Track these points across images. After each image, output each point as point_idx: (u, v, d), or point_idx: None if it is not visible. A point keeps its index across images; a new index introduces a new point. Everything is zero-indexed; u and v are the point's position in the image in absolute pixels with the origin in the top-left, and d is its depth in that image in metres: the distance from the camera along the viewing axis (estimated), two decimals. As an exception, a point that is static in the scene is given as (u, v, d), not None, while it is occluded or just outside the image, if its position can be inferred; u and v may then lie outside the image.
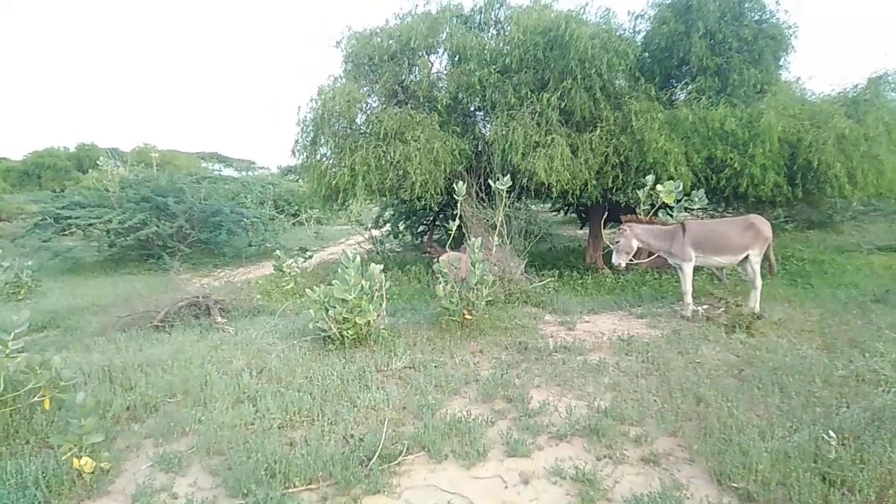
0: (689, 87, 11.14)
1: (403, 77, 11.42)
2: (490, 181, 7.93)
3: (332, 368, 5.74)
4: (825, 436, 3.74)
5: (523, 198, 12.29)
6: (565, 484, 3.69)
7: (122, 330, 7.96)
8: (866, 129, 9.81)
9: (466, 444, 4.17)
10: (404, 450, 4.07)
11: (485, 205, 10.03)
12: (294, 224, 27.48)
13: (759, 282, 7.65)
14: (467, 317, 7.00)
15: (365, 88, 11.68)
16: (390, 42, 11.34)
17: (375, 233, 17.63)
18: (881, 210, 16.66)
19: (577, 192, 10.79)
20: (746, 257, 7.64)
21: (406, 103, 11.12)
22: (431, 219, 16.06)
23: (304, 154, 11.57)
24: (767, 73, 10.89)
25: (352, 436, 4.30)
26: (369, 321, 6.66)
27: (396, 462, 3.94)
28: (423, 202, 10.67)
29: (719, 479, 3.64)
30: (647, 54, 11.52)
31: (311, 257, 15.66)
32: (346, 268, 6.61)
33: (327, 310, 6.55)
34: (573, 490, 3.61)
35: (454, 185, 7.34)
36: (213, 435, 4.36)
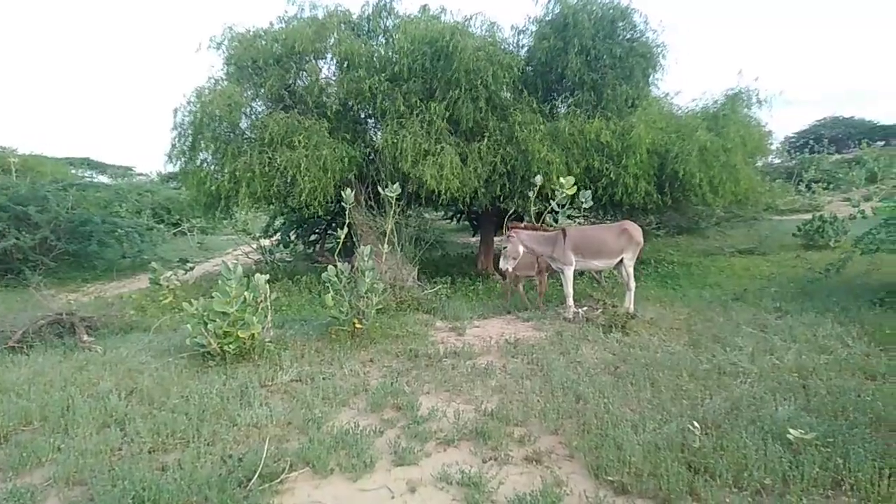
0: (569, 100, 11.72)
1: (290, 82, 11.13)
2: (380, 189, 7.89)
3: (210, 386, 5.45)
4: (690, 426, 4.01)
5: (415, 205, 12.35)
6: (451, 489, 3.70)
7: (-29, 353, 7.11)
8: (725, 142, 10.78)
9: (353, 457, 4.08)
10: (287, 467, 3.91)
11: (375, 212, 9.96)
12: (175, 234, 25.90)
13: (632, 284, 8.15)
14: (357, 326, 6.89)
15: (249, 92, 11.27)
16: (275, 45, 11.00)
17: (265, 242, 17.00)
18: (741, 217, 18.28)
19: (468, 200, 11.01)
20: (621, 261, 8.12)
21: (293, 108, 10.84)
22: (323, 227, 15.73)
23: (183, 160, 10.93)
24: (638, 88, 11.66)
25: (230, 456, 4.07)
26: (253, 334, 6.40)
27: (279, 480, 3.77)
28: (311, 210, 10.43)
29: (596, 474, 3.80)
30: (529, 68, 11.97)
31: (191, 269, 14.80)
32: (227, 279, 6.32)
33: (206, 324, 6.20)
34: (459, 495, 3.63)
35: (343, 192, 7.23)
36: (74, 463, 3.98)
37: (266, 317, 6.64)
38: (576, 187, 8.69)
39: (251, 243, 16.68)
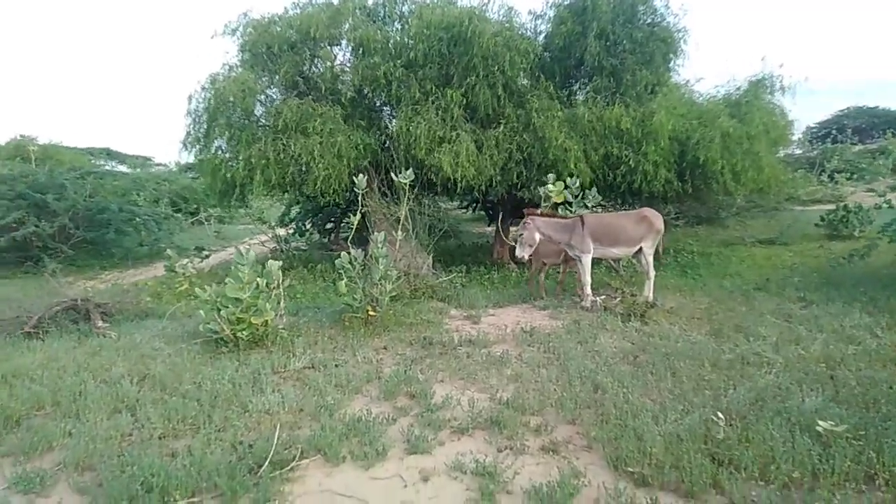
0: (587, 86, 11.52)
1: (305, 68, 11.03)
2: (394, 176, 7.79)
3: (223, 372, 5.38)
4: (714, 417, 3.87)
5: (431, 194, 12.27)
6: (465, 479, 3.60)
7: (-12, 338, 7.14)
8: (748, 128, 10.50)
9: (365, 445, 3.99)
10: (298, 454, 3.83)
11: (388, 199, 9.85)
12: (193, 223, 26.05)
13: (652, 272, 7.97)
14: (371, 313, 6.80)
15: (264, 79, 11.20)
16: (290, 31, 10.90)
17: (281, 231, 17.06)
18: (761, 207, 17.97)
19: (483, 188, 10.86)
20: (640, 249, 7.94)
21: (308, 95, 10.75)
22: (339, 215, 15.68)
23: (197, 147, 10.90)
24: (658, 74, 11.42)
25: (241, 443, 4.00)
26: (266, 321, 6.35)
27: (289, 468, 3.70)
28: (326, 197, 10.36)
29: (615, 465, 3.67)
30: (547, 54, 11.77)
31: (207, 257, 14.85)
32: (241, 265, 6.27)
33: (219, 310, 6.16)
34: (473, 484, 3.52)
35: (355, 178, 7.14)
36: (85, 448, 3.93)
37: (279, 303, 6.58)
38: (563, 194, 8.47)
39: (267, 232, 16.69)
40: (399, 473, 3.69)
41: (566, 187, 8.56)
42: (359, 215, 7.07)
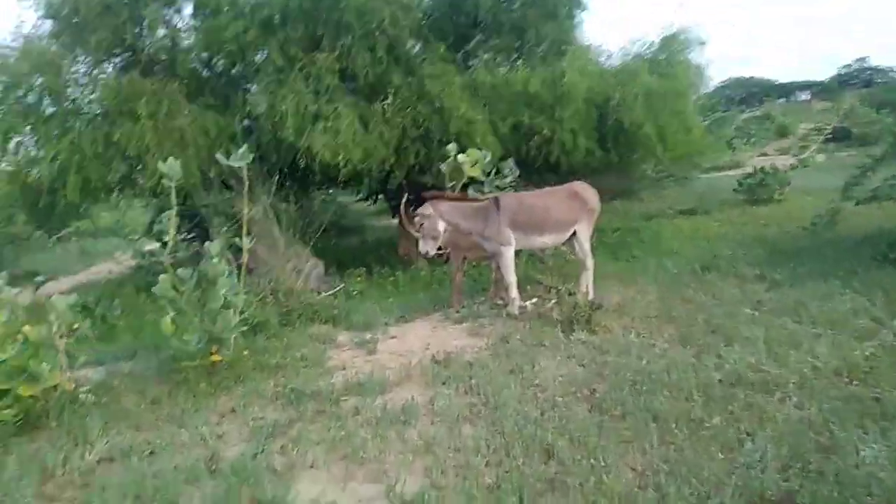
0: (486, 45, 9.88)
1: (127, 35, 8.58)
2: (221, 158, 5.70)
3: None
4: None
5: (324, 186, 10.33)
6: None
7: None
8: (674, 84, 9.22)
9: None
10: None
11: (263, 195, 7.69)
12: (59, 240, 22.46)
13: (590, 262, 6.35)
14: (216, 358, 4.74)
15: (79, 55, 8.69)
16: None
17: (156, 244, 14.52)
18: (673, 176, 17.33)
19: (375, 174, 8.98)
20: (574, 233, 6.30)
21: (134, 68, 8.36)
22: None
23: (-14, 144, 8.26)
24: (563, 30, 9.97)
25: None
26: (55, 385, 4.22)
27: None
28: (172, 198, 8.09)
29: None
30: (436, 11, 10.00)
31: (43, 283, 12.06)
32: (-8, 308, 4.12)
33: (-35, 380, 3.96)
34: None
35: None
36: None
37: (59, 361, 4.39)
38: (479, 166, 6.83)
39: (126, 247, 14.12)
40: None
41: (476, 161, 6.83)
42: (172, 214, 4.93)
